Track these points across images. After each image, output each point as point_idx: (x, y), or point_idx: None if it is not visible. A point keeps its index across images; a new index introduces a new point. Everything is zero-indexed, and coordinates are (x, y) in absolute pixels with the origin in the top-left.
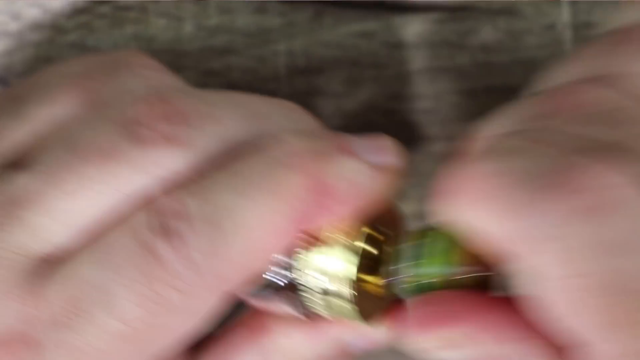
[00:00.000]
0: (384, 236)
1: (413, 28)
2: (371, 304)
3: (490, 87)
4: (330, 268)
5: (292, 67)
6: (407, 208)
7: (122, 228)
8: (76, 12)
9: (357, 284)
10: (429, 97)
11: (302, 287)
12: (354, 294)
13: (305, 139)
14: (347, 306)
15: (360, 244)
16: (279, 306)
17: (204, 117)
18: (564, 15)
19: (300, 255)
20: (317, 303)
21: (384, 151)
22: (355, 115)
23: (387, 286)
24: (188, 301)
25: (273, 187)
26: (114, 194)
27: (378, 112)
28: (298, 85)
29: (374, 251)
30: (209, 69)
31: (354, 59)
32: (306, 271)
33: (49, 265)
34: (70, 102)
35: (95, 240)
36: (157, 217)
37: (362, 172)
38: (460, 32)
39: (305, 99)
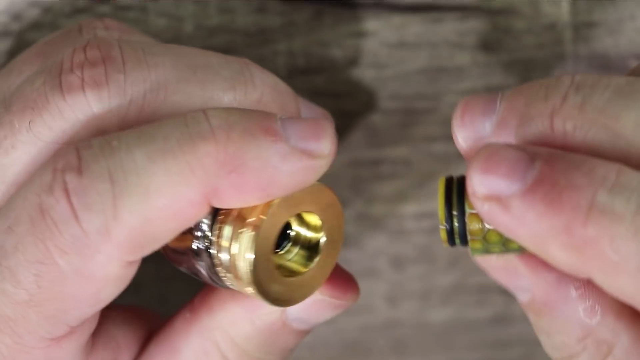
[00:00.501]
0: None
1: (413, 28)
2: (279, 285)
3: (490, 87)
4: (236, 242)
5: (292, 67)
6: (407, 208)
7: (25, 186)
8: (76, 11)
9: (263, 260)
10: (429, 97)
11: (213, 256)
12: (250, 267)
13: (233, 114)
14: (245, 278)
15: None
16: (192, 268)
17: (133, 62)
18: (564, 14)
19: (216, 226)
20: (223, 273)
21: (316, 136)
22: (355, 115)
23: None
24: (78, 263)
25: (188, 157)
26: (37, 143)
27: (378, 112)
28: (298, 85)
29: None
30: None
31: (354, 59)
32: (218, 240)
33: None
34: (29, 68)
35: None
36: (51, 172)
37: (281, 157)
38: (460, 31)
39: (305, 98)
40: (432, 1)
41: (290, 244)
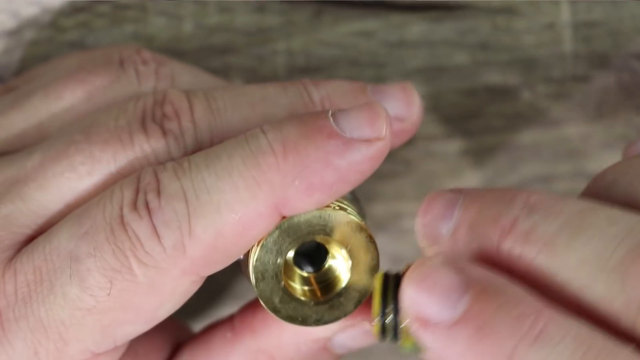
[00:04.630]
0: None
1: (413, 27)
2: (299, 306)
3: (490, 86)
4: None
5: (291, 66)
6: (407, 208)
7: (100, 199)
8: (75, 10)
9: (268, 272)
10: (428, 96)
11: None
12: (252, 275)
13: (285, 123)
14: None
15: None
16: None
17: (200, 112)
18: (564, 14)
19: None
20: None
21: (369, 122)
22: None
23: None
24: (153, 276)
25: (252, 172)
26: (112, 174)
27: None
28: None
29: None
30: (209, 68)
31: (353, 59)
32: (260, 249)
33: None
34: (71, 96)
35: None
36: (133, 192)
37: (340, 152)
38: (460, 31)
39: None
40: (432, 1)
41: (312, 274)
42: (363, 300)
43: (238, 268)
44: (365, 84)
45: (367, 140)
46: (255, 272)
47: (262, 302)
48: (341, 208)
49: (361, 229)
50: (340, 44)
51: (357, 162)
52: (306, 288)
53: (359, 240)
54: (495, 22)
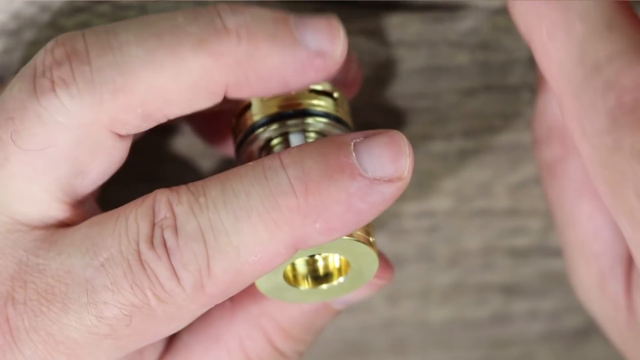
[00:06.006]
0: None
1: (413, 27)
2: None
3: (490, 86)
4: None
5: None
6: (407, 208)
7: (115, 227)
8: (75, 11)
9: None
10: (428, 96)
11: None
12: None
13: (307, 155)
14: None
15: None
16: None
17: (98, 49)
18: None
19: None
20: None
21: (395, 157)
22: (354, 115)
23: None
24: (170, 310)
25: (272, 214)
26: (26, 152)
27: (378, 111)
28: None
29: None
30: None
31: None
32: None
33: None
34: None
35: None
36: (149, 225)
37: (362, 194)
38: (460, 31)
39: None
40: (432, 1)
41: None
42: (372, 276)
43: None
44: (288, 15)
45: (389, 181)
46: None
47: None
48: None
49: (366, 248)
50: None
51: (378, 203)
52: (309, 278)
53: (362, 257)
54: (495, 22)
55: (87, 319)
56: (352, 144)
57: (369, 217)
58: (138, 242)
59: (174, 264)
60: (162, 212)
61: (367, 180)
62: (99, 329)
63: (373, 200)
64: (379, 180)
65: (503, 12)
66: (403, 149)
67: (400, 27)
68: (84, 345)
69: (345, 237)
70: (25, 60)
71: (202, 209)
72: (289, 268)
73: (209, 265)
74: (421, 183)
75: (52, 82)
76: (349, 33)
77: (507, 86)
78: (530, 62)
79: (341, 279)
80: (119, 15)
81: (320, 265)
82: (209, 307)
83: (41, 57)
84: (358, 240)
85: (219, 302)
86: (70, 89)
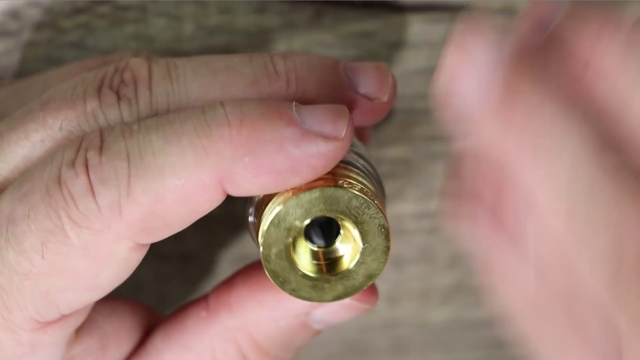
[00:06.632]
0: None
1: (413, 28)
2: (298, 277)
3: None
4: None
5: None
6: (407, 208)
7: (42, 161)
8: (76, 11)
9: (277, 242)
10: (428, 97)
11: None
12: (261, 239)
13: (248, 102)
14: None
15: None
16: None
17: (159, 78)
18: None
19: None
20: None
21: (332, 120)
22: None
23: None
24: (87, 238)
25: (203, 140)
26: (64, 141)
27: None
28: None
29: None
30: None
31: (354, 59)
32: (260, 215)
33: None
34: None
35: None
36: (74, 151)
37: (295, 140)
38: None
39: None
40: (432, 1)
41: (319, 248)
42: (369, 283)
43: (250, 235)
44: (338, 61)
45: (325, 137)
46: (264, 244)
47: (268, 275)
48: (361, 189)
49: (377, 212)
50: (341, 44)
51: (310, 154)
52: (313, 262)
53: (374, 223)
54: (496, 22)
55: (8, 256)
56: (294, 103)
57: (300, 168)
58: (60, 167)
59: (92, 180)
60: (91, 137)
61: (302, 129)
62: (19, 265)
63: (306, 150)
64: (314, 133)
65: (503, 12)
66: (344, 114)
67: (400, 27)
68: (9, 291)
69: (354, 192)
70: (25, 61)
71: (134, 132)
72: (305, 260)
73: (130, 182)
74: (421, 183)
75: (118, 96)
76: (349, 33)
77: None
78: None
79: (354, 262)
80: (119, 16)
81: (335, 255)
82: (131, 247)
83: (110, 73)
84: (365, 197)
85: (139, 242)
86: (131, 105)
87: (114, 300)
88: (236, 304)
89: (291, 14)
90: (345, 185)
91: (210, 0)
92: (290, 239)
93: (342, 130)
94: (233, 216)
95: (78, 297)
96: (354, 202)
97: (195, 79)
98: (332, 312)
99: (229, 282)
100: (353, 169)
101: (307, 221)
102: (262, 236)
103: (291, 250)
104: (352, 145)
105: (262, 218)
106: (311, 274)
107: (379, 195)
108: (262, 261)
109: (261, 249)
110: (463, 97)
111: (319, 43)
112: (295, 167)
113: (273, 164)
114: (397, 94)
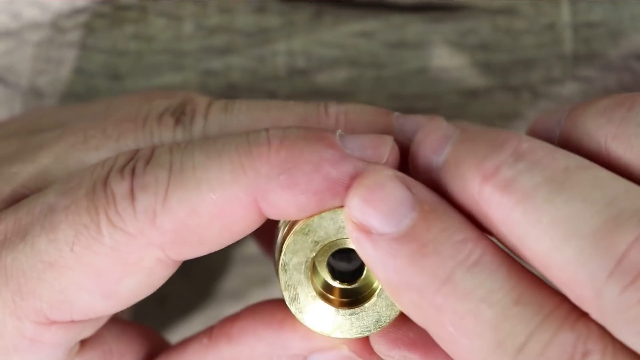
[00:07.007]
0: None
1: (413, 28)
2: (317, 306)
3: (490, 86)
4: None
5: (291, 67)
6: None
7: (95, 164)
8: (76, 11)
9: (298, 267)
10: (429, 97)
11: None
12: (281, 263)
13: (292, 128)
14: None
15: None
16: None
17: (215, 112)
18: (564, 14)
19: (287, 226)
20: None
21: (374, 146)
22: None
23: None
24: (119, 239)
25: (242, 159)
26: (116, 151)
27: None
28: (298, 85)
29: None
30: (209, 69)
31: (354, 59)
32: (282, 241)
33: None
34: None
35: None
36: (126, 160)
37: (334, 161)
38: (460, 31)
39: (305, 98)
40: (432, 1)
41: (339, 283)
42: (376, 329)
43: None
44: (389, 111)
45: (365, 160)
46: (287, 250)
47: (281, 286)
48: None
49: None
50: (341, 44)
51: (349, 176)
52: (329, 289)
53: None
54: (496, 22)
55: (39, 242)
56: (339, 131)
57: (336, 189)
58: (110, 171)
59: (134, 185)
60: (143, 151)
61: (342, 152)
62: (46, 254)
63: (344, 170)
64: (354, 157)
65: (503, 12)
66: (388, 141)
67: (400, 27)
68: (29, 278)
69: None
70: (25, 60)
71: (180, 148)
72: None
73: (167, 192)
74: None
75: (175, 122)
76: (349, 33)
77: (507, 87)
78: (530, 62)
79: (368, 303)
80: (119, 16)
81: (353, 294)
82: (159, 259)
83: (174, 105)
84: None
85: (171, 254)
86: (185, 130)
87: (126, 323)
88: (236, 335)
89: (291, 14)
90: None
91: (210, 0)
92: (314, 254)
93: (384, 155)
94: None
95: (93, 301)
96: None
97: (249, 113)
98: (329, 359)
99: (236, 314)
100: None
101: (336, 238)
102: (287, 242)
103: (311, 267)
104: None
105: (292, 228)
106: (322, 300)
107: None
108: (279, 270)
109: (282, 255)
110: None
111: (319, 43)
112: (332, 188)
113: (309, 184)
114: (398, 94)
